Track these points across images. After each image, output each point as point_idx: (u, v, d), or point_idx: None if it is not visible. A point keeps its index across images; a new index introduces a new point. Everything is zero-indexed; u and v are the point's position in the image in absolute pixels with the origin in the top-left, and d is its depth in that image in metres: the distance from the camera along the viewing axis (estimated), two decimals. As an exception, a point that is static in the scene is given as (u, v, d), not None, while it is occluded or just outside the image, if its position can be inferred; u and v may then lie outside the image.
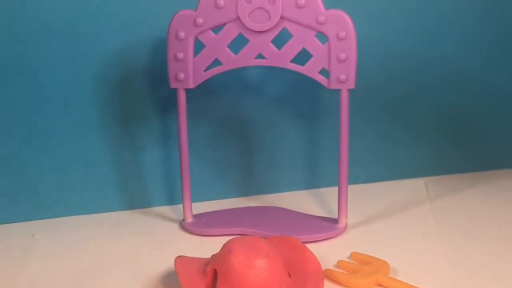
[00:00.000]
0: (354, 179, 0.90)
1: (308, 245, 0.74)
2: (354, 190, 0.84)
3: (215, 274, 0.66)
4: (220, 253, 0.66)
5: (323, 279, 0.67)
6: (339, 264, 0.72)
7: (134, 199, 0.92)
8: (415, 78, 0.93)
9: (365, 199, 0.91)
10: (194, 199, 0.85)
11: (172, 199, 0.92)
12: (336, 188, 0.83)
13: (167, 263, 0.74)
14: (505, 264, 0.72)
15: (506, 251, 0.76)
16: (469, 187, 0.95)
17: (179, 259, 0.69)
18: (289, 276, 0.67)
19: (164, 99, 0.88)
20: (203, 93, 0.87)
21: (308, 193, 0.95)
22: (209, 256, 0.72)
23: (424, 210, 0.88)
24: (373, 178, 0.97)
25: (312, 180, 0.96)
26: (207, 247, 0.79)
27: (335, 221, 0.82)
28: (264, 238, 0.77)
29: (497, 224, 0.83)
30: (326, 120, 0.93)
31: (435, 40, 0.92)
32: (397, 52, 0.91)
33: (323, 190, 0.95)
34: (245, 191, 0.94)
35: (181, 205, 0.87)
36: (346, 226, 0.82)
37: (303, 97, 0.91)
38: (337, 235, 0.81)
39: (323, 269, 0.69)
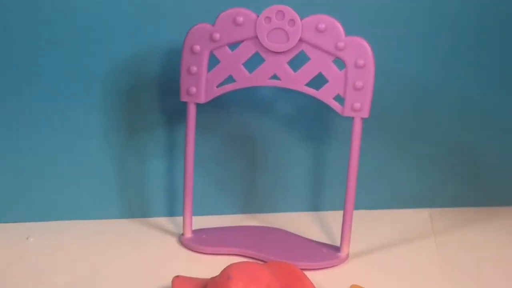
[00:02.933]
0: (357, 205, 0.89)
1: (307, 273, 0.73)
2: (357, 216, 0.82)
3: (212, 298, 0.65)
4: (218, 278, 0.65)
5: (322, 312, 0.65)
6: (338, 297, 0.71)
7: (134, 208, 0.90)
8: (426, 109, 0.92)
9: (368, 227, 0.89)
10: (194, 212, 0.84)
11: (172, 210, 0.91)
12: (338, 212, 0.82)
13: (164, 280, 0.73)
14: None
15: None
16: (474, 223, 0.93)
17: (177, 280, 0.68)
18: (287, 306, 0.66)
19: (172, 110, 0.87)
20: (213, 106, 0.85)
21: (310, 215, 0.94)
22: (207, 275, 0.71)
23: (427, 243, 0.87)
24: (376, 205, 0.95)
25: (315, 202, 0.94)
26: (205, 265, 0.78)
27: (336, 249, 0.81)
28: (263, 262, 0.76)
29: (501, 263, 0.82)
30: (334, 143, 0.91)
31: (450, 73, 0.91)
32: (410, 82, 0.90)
33: (325, 213, 0.94)
34: (247, 209, 0.93)
35: (180, 217, 0.86)
36: (347, 256, 0.81)
37: (313, 119, 0.90)
38: (338, 265, 0.79)
39: (322, 300, 0.68)
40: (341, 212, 0.80)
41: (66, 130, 0.86)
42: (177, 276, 0.69)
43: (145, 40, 0.84)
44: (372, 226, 0.90)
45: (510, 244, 0.87)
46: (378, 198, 0.96)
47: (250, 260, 0.78)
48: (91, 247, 0.82)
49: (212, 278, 0.67)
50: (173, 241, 0.84)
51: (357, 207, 0.81)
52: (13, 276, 0.75)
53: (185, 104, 0.79)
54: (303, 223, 0.90)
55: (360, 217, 0.91)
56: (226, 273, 0.64)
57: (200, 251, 0.81)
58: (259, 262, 0.77)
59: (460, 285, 0.76)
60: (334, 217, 0.90)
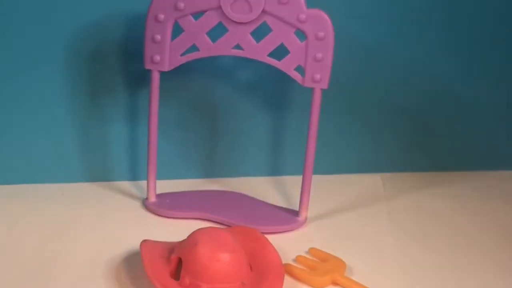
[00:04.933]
0: (314, 170, 0.92)
1: (268, 236, 0.76)
2: (314, 181, 0.85)
3: (178, 262, 0.68)
4: (185, 243, 0.68)
5: (283, 275, 0.69)
6: (297, 259, 0.75)
7: (97, 171, 0.92)
8: (379, 77, 0.95)
9: (324, 191, 0.93)
10: (157, 177, 0.86)
11: (134, 174, 0.93)
12: (296, 178, 0.85)
13: (130, 244, 0.75)
14: (453, 270, 0.76)
15: (454, 255, 0.79)
16: (424, 187, 0.98)
17: (144, 244, 0.70)
18: (251, 269, 0.69)
19: (134, 75, 0.88)
20: (175, 73, 0.86)
21: (269, 179, 0.97)
22: (171, 238, 0.73)
23: (379, 207, 0.91)
24: (332, 170, 0.99)
25: (275, 167, 0.98)
26: (169, 229, 0.81)
27: (295, 213, 0.85)
28: (227, 227, 0.79)
29: (448, 227, 0.87)
30: (293, 111, 0.94)
31: (402, 40, 0.93)
32: (363, 50, 0.93)
33: (284, 178, 0.97)
34: (208, 173, 0.95)
35: (143, 181, 0.88)
36: (305, 219, 0.84)
37: (274, 87, 0.92)
38: (297, 228, 0.83)
39: (282, 263, 0.71)
40: (299, 177, 0.84)
41: (28, 94, 0.86)
42: (144, 240, 0.71)
43: (109, 7, 0.84)
44: (328, 191, 0.94)
45: (457, 209, 0.92)
46: (333, 163, 0.99)
47: (213, 225, 0.81)
48: (55, 211, 0.83)
49: (179, 242, 0.69)
50: (137, 205, 0.86)
51: (314, 171, 0.84)
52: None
53: (147, 71, 0.81)
54: (263, 188, 0.94)
55: (316, 181, 0.95)
56: (193, 238, 0.67)
57: (165, 215, 0.83)
58: (223, 227, 0.80)
59: (410, 248, 0.81)
60: (292, 182, 0.93)
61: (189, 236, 0.68)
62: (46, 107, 0.87)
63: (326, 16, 0.76)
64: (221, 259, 0.65)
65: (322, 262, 0.74)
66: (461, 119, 1.01)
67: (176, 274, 0.67)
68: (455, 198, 0.95)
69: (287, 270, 0.72)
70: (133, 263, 0.72)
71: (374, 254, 0.79)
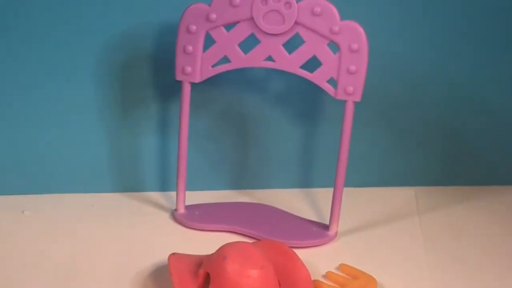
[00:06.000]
0: (346, 182, 0.91)
1: (297, 251, 0.75)
2: (345, 194, 0.84)
3: (206, 276, 0.67)
4: (213, 258, 0.67)
5: (312, 292, 0.68)
6: (327, 275, 0.73)
7: (126, 182, 0.92)
8: (414, 89, 0.93)
9: (355, 204, 0.91)
10: (186, 188, 0.85)
11: (164, 185, 0.93)
12: (327, 190, 0.84)
13: (158, 256, 0.75)
14: (489, 289, 0.74)
15: (492, 272, 0.77)
16: (459, 202, 0.96)
17: (173, 258, 0.69)
18: (279, 285, 0.68)
19: (166, 86, 0.88)
20: (206, 84, 0.86)
21: (300, 192, 0.95)
22: (199, 251, 0.73)
23: (412, 222, 0.89)
24: (363, 183, 0.97)
25: (305, 179, 0.96)
26: (197, 241, 0.80)
27: (325, 227, 0.83)
28: (256, 241, 0.78)
29: (483, 243, 0.85)
30: (324, 123, 0.93)
31: (438, 52, 0.92)
32: (400, 62, 0.91)
33: (314, 190, 0.96)
34: (238, 185, 0.95)
35: (172, 192, 0.88)
36: (336, 234, 0.83)
37: (305, 99, 0.91)
38: (327, 243, 0.82)
39: (312, 279, 0.70)
40: (329, 189, 0.83)
41: (61, 104, 0.86)
42: (173, 254, 0.70)
43: (141, 17, 0.84)
44: (359, 204, 0.92)
45: (493, 223, 0.90)
46: (365, 176, 0.98)
47: (242, 238, 0.80)
48: (86, 221, 0.83)
49: (208, 256, 0.69)
50: (165, 217, 0.86)
51: (345, 184, 0.83)
52: (7, 250, 0.76)
53: (178, 82, 0.80)
54: (292, 200, 0.92)
55: (347, 194, 0.93)
56: (221, 253, 0.66)
57: (193, 227, 0.83)
58: (251, 240, 0.79)
59: (443, 264, 0.79)
60: (322, 194, 0.92)
61: (217, 251, 0.68)
62: (77, 117, 0.87)
63: (360, 28, 0.75)
64: (250, 275, 0.64)
65: (353, 280, 0.72)
66: (496, 132, 0.99)
67: (203, 289, 0.66)
68: (490, 213, 0.93)
69: (316, 286, 0.70)
70: (160, 276, 0.71)
71: (406, 271, 0.77)
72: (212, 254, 0.68)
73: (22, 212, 0.84)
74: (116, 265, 0.74)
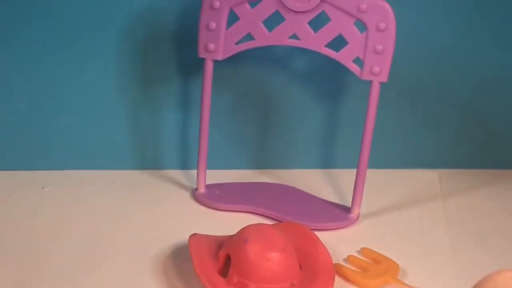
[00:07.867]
0: (369, 164, 0.90)
1: (318, 233, 0.74)
2: (367, 175, 0.83)
3: (227, 258, 0.66)
4: (235, 240, 0.66)
5: (334, 276, 0.67)
6: (349, 259, 0.72)
7: (147, 159, 0.91)
8: (440, 71, 0.91)
9: (377, 187, 0.89)
10: (207, 166, 0.84)
11: (185, 163, 0.92)
12: (350, 171, 0.82)
13: (178, 236, 0.74)
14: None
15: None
16: (483, 185, 0.94)
17: (193, 239, 0.69)
18: (300, 268, 0.67)
19: (187, 63, 0.87)
20: (229, 62, 0.84)
21: (321, 172, 0.94)
22: (220, 231, 0.72)
23: (436, 205, 0.88)
24: (386, 164, 0.96)
25: (327, 160, 0.95)
26: (218, 221, 0.80)
27: (347, 209, 0.82)
28: (277, 222, 0.77)
29: (507, 227, 0.83)
30: (348, 103, 0.91)
31: (466, 35, 0.89)
32: (426, 43, 0.89)
33: (337, 171, 0.95)
34: (259, 164, 0.93)
35: (193, 171, 0.87)
36: (358, 217, 0.82)
37: (329, 77, 0.89)
38: (349, 226, 0.80)
39: (333, 263, 0.69)
40: (352, 171, 0.81)
41: (82, 80, 0.86)
42: (193, 235, 0.70)
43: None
44: (381, 186, 0.91)
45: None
46: (388, 157, 0.96)
47: (263, 219, 0.79)
48: (106, 198, 0.83)
49: (228, 238, 0.68)
50: (186, 195, 0.85)
51: (368, 166, 0.81)
52: (27, 226, 0.76)
53: (201, 59, 0.79)
54: (314, 181, 0.91)
55: (370, 176, 0.92)
56: (243, 235, 0.65)
57: (214, 207, 0.82)
58: (272, 222, 0.78)
59: (467, 249, 0.77)
60: (345, 176, 0.90)
61: (238, 233, 0.67)
62: (98, 94, 0.86)
63: (388, 7, 0.73)
64: (271, 258, 0.63)
65: (375, 264, 0.71)
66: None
67: (224, 271, 0.66)
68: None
69: (338, 270, 0.69)
70: (180, 256, 0.71)
71: (429, 255, 0.75)
72: (233, 235, 0.67)
73: (42, 188, 0.84)
74: (135, 243, 0.74)
